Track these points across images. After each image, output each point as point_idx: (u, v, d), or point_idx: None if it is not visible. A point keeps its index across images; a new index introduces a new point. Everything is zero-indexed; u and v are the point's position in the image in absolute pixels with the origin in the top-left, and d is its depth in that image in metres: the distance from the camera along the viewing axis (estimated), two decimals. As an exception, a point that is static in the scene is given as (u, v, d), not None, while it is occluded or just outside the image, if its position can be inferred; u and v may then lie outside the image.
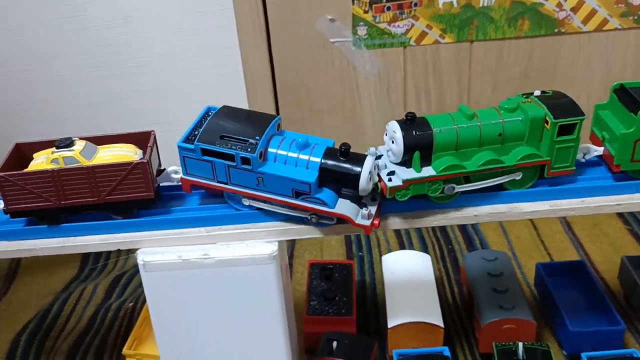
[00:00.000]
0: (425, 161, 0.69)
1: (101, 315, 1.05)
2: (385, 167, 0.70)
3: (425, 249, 1.16)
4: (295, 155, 0.67)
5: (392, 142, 0.69)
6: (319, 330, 0.90)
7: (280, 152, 0.67)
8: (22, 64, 1.24)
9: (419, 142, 0.68)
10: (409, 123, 0.68)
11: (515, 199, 0.72)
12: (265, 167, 0.67)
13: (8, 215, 0.71)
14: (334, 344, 0.85)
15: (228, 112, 0.70)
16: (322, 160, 0.67)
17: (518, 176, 0.71)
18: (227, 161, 0.66)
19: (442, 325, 0.88)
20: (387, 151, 0.70)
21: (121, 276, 1.14)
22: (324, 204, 0.67)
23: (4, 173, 0.68)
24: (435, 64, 1.14)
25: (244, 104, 1.18)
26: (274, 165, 0.67)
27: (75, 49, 1.22)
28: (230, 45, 1.15)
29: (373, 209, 0.68)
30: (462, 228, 1.22)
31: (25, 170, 0.70)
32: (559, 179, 0.73)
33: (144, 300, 1.05)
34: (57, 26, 1.19)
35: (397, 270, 0.99)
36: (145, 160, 0.69)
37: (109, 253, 1.23)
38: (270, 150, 0.67)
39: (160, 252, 0.69)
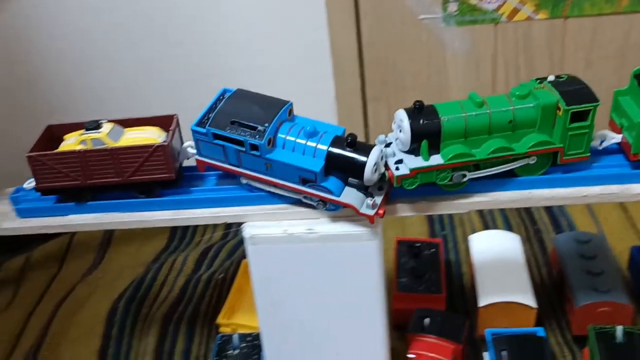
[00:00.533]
0: (434, 149, 0.68)
1: (192, 286, 1.08)
2: (394, 155, 0.70)
3: (509, 230, 1.15)
4: (303, 142, 0.68)
5: (400, 130, 0.69)
6: (408, 307, 0.90)
7: (288, 138, 0.68)
8: (108, 44, 1.27)
9: (426, 131, 0.68)
10: (417, 111, 0.68)
11: (528, 185, 0.71)
12: (273, 154, 0.68)
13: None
14: (426, 320, 0.86)
15: (242, 95, 0.71)
16: (329, 149, 0.67)
17: (533, 160, 0.70)
18: (238, 146, 0.68)
19: (535, 305, 0.88)
20: (396, 139, 0.70)
21: (209, 249, 1.18)
22: (329, 192, 0.67)
23: (35, 153, 0.73)
24: (526, 41, 1.12)
25: (329, 81, 1.18)
26: (282, 152, 0.68)
27: (161, 29, 1.24)
28: (318, 21, 1.15)
29: (379, 199, 0.68)
30: (548, 209, 1.20)
31: (55, 151, 0.74)
32: (573, 166, 0.71)
33: (234, 272, 1.09)
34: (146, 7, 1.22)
35: (486, 250, 0.98)
36: (165, 143, 0.72)
37: (195, 227, 1.27)
38: (279, 136, 0.68)
39: (266, 226, 0.71)
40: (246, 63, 1.25)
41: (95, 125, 0.74)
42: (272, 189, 0.71)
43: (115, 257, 1.20)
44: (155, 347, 0.98)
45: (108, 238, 1.24)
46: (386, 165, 0.69)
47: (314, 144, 0.67)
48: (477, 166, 0.70)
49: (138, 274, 1.13)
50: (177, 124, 0.77)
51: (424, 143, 0.67)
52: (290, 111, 0.71)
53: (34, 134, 0.77)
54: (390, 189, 0.70)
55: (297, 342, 0.78)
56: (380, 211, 0.68)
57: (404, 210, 0.71)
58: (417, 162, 0.68)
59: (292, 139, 0.68)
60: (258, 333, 0.88)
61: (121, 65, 1.25)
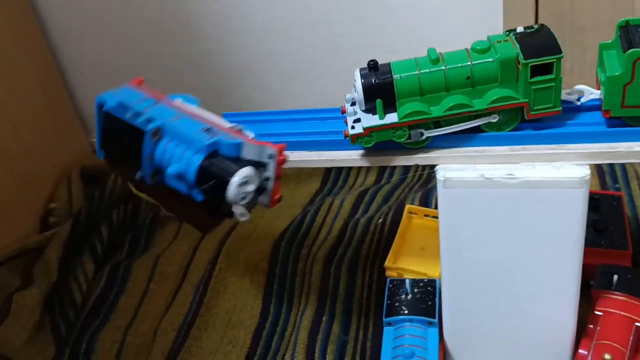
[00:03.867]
0: (391, 108, 0.68)
1: (350, 229, 1.08)
2: (355, 114, 0.70)
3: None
4: None
5: (355, 90, 0.69)
6: (591, 262, 0.85)
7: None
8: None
9: (379, 89, 0.67)
10: (371, 70, 0.68)
11: (491, 142, 0.68)
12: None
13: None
14: (614, 277, 0.81)
15: None
16: None
17: (494, 119, 0.67)
18: None
19: None
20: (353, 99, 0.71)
21: (364, 193, 1.17)
22: None
23: None
24: None
25: (498, 17, 1.11)
26: None
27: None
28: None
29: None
30: None
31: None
32: (544, 123, 0.68)
33: (393, 217, 1.08)
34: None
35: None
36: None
37: (349, 170, 1.27)
38: None
39: (461, 169, 0.68)
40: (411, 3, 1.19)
41: None
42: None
43: (271, 198, 1.22)
44: (320, 286, 0.99)
45: (264, 179, 1.26)
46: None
47: None
48: (439, 124, 0.68)
49: (296, 214, 1.14)
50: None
51: (379, 102, 0.67)
52: None
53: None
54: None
55: (480, 291, 0.76)
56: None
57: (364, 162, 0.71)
58: (372, 120, 0.68)
59: None
60: (430, 279, 0.87)
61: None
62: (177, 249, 1.14)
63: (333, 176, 1.25)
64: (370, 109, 0.69)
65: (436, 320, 0.81)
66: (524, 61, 0.64)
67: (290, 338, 0.92)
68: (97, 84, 1.34)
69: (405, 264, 0.94)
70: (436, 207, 1.07)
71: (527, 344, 0.79)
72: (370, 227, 1.07)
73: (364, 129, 0.68)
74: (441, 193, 0.69)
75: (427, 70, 0.67)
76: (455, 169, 0.68)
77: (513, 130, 0.69)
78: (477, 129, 0.69)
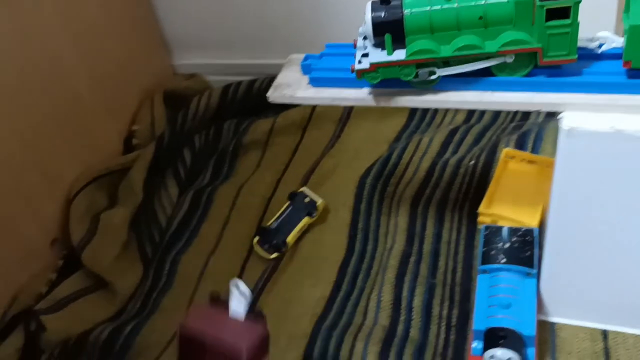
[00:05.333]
0: (400, 44, 0.66)
1: (439, 169, 1.05)
2: (365, 48, 0.69)
3: None
4: None
5: (365, 23, 0.67)
6: None
7: None
8: None
9: (387, 24, 0.66)
10: (382, 4, 0.66)
11: (503, 87, 0.66)
12: None
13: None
14: None
15: None
16: None
17: (510, 59, 0.64)
18: None
19: None
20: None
21: (454, 132, 1.12)
22: None
23: None
24: None
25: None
26: None
27: None
28: None
29: None
30: None
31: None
32: (559, 70, 0.65)
33: (485, 160, 1.03)
34: None
35: None
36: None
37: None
38: None
39: (588, 118, 0.63)
40: None
41: None
42: None
43: (355, 132, 1.19)
44: (407, 226, 0.97)
45: (348, 112, 1.23)
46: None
47: None
48: (449, 64, 0.66)
49: (381, 151, 1.11)
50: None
51: (388, 37, 0.65)
52: None
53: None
54: None
55: (588, 247, 0.72)
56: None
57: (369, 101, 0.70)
58: (379, 56, 0.66)
59: None
60: (528, 229, 0.84)
61: None
62: (259, 179, 1.13)
63: (419, 112, 1.21)
64: (379, 44, 0.67)
65: (535, 271, 0.79)
66: (539, 3, 0.60)
67: (377, 277, 0.91)
68: (183, 5, 1.32)
69: (500, 210, 0.90)
70: (532, 151, 1.02)
71: (627, 306, 0.76)
72: (461, 168, 1.03)
73: (370, 64, 0.66)
74: (563, 142, 0.65)
75: (439, 7, 0.65)
76: (582, 117, 0.63)
77: (526, 76, 0.66)
78: (487, 72, 0.66)
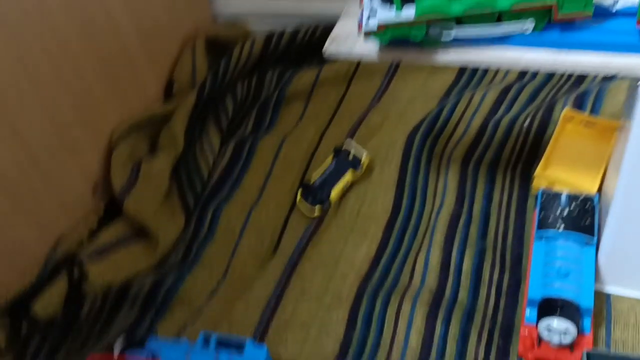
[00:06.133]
0: (411, 1, 0.62)
1: (491, 128, 1.01)
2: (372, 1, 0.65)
3: None
4: None
5: None
6: None
7: None
8: None
9: None
10: None
11: (515, 42, 0.63)
12: None
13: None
14: None
15: None
16: None
17: (531, 24, 0.61)
18: None
19: None
20: None
21: (507, 89, 1.07)
22: None
23: None
24: None
25: None
26: None
27: None
28: None
29: None
30: None
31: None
32: (572, 28, 0.62)
33: (540, 120, 0.99)
34: None
35: None
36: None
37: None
38: None
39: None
40: None
41: None
42: None
43: (402, 86, 1.15)
44: (457, 186, 0.94)
45: (395, 66, 1.18)
46: None
47: None
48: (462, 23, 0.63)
49: (430, 107, 1.07)
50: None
51: None
52: None
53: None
54: None
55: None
56: None
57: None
58: (387, 14, 0.63)
59: None
60: (588, 195, 0.80)
61: None
62: (303, 132, 1.10)
63: (469, 68, 1.16)
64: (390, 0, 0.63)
65: (595, 239, 0.76)
66: None
67: (424, 237, 0.89)
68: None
69: (557, 174, 0.87)
70: (591, 113, 0.98)
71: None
72: (514, 128, 0.99)
73: (378, 26, 0.63)
74: (643, 106, 0.61)
75: None
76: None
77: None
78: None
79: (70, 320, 0.87)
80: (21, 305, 0.87)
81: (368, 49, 0.69)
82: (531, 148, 0.96)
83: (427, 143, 1.00)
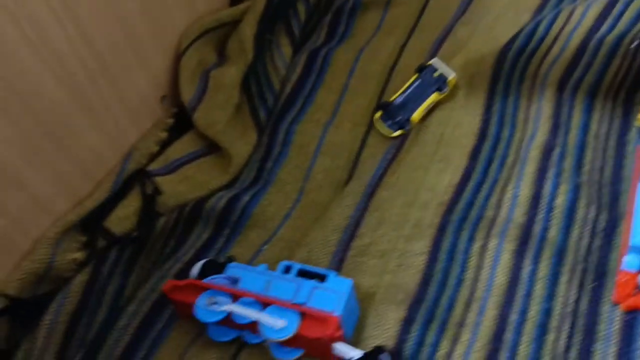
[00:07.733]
0: None
1: (592, 47, 0.91)
2: None
3: None
4: None
5: None
6: None
7: None
8: None
9: None
10: None
11: None
12: None
13: None
14: None
15: None
16: None
17: None
18: None
19: None
20: None
21: (614, 3, 0.95)
22: None
23: None
24: None
25: None
26: None
27: None
28: None
29: None
30: None
31: None
32: None
33: (651, 42, 0.89)
34: None
35: None
36: None
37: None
38: None
39: None
40: None
41: None
42: None
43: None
44: (551, 112, 0.87)
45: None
46: None
47: None
48: None
49: (523, 21, 0.98)
50: None
51: None
52: None
53: None
54: None
55: None
56: None
57: None
58: None
59: None
60: None
61: None
62: (381, 44, 1.03)
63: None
64: None
65: None
66: None
67: (513, 168, 0.83)
68: None
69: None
70: None
71: None
72: (620, 48, 0.89)
73: None
74: None
75: None
76: None
77: None
78: None
79: (145, 236, 0.87)
80: (96, 220, 0.86)
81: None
82: (637, 73, 0.87)
83: (519, 63, 0.92)
